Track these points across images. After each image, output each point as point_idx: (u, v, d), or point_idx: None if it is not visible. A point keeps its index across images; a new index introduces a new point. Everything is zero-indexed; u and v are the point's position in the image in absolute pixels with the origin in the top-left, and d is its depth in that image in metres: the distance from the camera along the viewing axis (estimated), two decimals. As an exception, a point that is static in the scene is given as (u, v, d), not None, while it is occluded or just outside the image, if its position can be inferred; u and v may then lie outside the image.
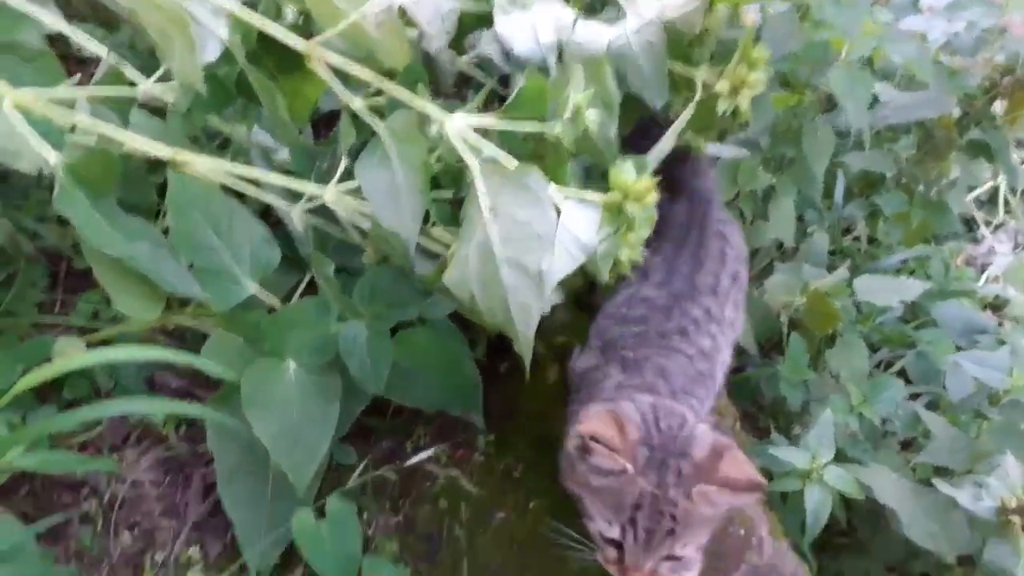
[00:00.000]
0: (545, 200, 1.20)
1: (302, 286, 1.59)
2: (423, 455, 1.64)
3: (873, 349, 2.29)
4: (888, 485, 1.72)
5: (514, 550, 1.56)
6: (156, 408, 1.29)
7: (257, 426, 1.37)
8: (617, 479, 1.07)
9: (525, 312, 1.23)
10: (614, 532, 1.08)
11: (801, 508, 1.71)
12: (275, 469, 1.46)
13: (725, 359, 1.47)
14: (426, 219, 1.39)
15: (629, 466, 1.06)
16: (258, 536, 1.48)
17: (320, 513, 1.48)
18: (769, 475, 1.84)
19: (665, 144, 1.42)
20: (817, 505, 1.62)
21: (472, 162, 1.23)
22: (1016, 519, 1.38)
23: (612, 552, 1.12)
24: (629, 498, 1.06)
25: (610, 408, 1.14)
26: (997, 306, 2.79)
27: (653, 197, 1.18)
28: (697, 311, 1.41)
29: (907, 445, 2.09)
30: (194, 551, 1.48)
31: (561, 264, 1.18)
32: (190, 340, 1.65)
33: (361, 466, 1.64)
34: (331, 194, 1.39)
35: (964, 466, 1.65)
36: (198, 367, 1.40)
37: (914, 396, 2.17)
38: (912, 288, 2.01)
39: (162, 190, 1.62)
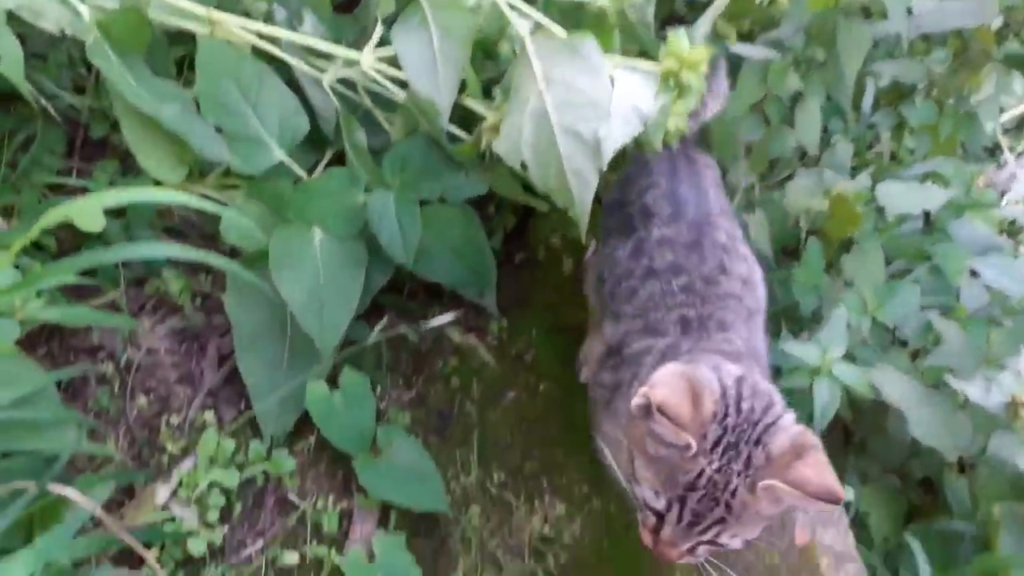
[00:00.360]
0: (601, 67, 1.19)
1: (324, 162, 1.57)
2: (440, 320, 1.65)
3: (888, 261, 2.28)
4: (896, 385, 1.72)
5: (523, 429, 1.59)
6: (168, 252, 1.29)
7: (285, 288, 1.38)
8: (678, 453, 0.92)
9: (581, 179, 1.22)
10: (659, 504, 0.95)
11: (808, 404, 1.72)
12: (293, 338, 1.48)
13: (758, 279, 1.39)
14: (461, 89, 1.37)
15: (694, 443, 0.91)
16: (273, 403, 1.50)
17: (334, 384, 1.50)
18: (778, 371, 1.85)
19: (704, 25, 1.39)
20: (825, 400, 1.63)
21: (523, 29, 1.21)
22: (1024, 412, 1.39)
23: (651, 518, 0.99)
24: (686, 476, 0.92)
25: (688, 371, 0.97)
26: (1013, 232, 2.76)
27: (705, 67, 1.16)
28: (721, 235, 1.32)
29: (916, 356, 2.09)
30: (209, 415, 1.50)
31: (618, 131, 1.17)
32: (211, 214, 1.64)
33: (376, 342, 1.66)
34: (368, 59, 1.36)
35: (973, 369, 1.65)
36: (223, 225, 1.41)
37: (925, 310, 2.16)
38: (935, 196, 1.98)
39: (181, 65, 1.61)
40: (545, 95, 1.18)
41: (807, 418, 1.75)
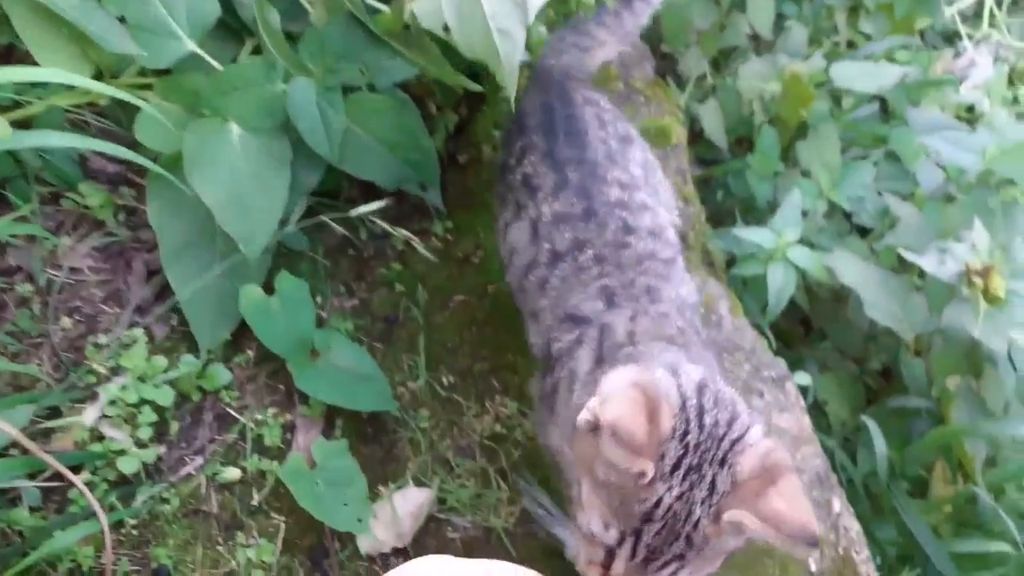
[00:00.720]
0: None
1: (245, 53, 1.46)
2: (367, 208, 1.51)
3: (843, 150, 2.23)
4: (852, 268, 1.70)
5: (472, 331, 1.54)
6: (75, 143, 1.18)
7: (202, 190, 1.29)
8: (632, 479, 0.78)
9: (507, 38, 1.13)
10: (609, 538, 0.81)
11: (763, 291, 1.70)
12: (224, 245, 1.40)
13: (665, 222, 1.22)
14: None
15: (650, 471, 0.77)
16: (207, 315, 1.43)
17: (270, 292, 1.42)
18: (732, 260, 1.81)
19: None
20: (779, 285, 1.60)
21: None
22: (979, 281, 1.36)
23: (599, 553, 0.84)
24: (642, 505, 0.78)
25: (644, 381, 0.82)
26: (971, 120, 2.73)
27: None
28: (614, 191, 1.18)
29: (873, 242, 2.07)
30: (138, 333, 1.43)
31: None
32: (124, 120, 1.53)
33: (314, 249, 1.58)
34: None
35: (928, 245, 1.62)
36: (137, 124, 1.31)
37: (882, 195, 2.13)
38: (891, 73, 1.92)
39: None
40: (466, -53, 1.09)
41: (762, 306, 1.72)
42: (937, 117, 2.24)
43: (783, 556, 1.30)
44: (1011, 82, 2.83)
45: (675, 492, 0.78)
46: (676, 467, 0.78)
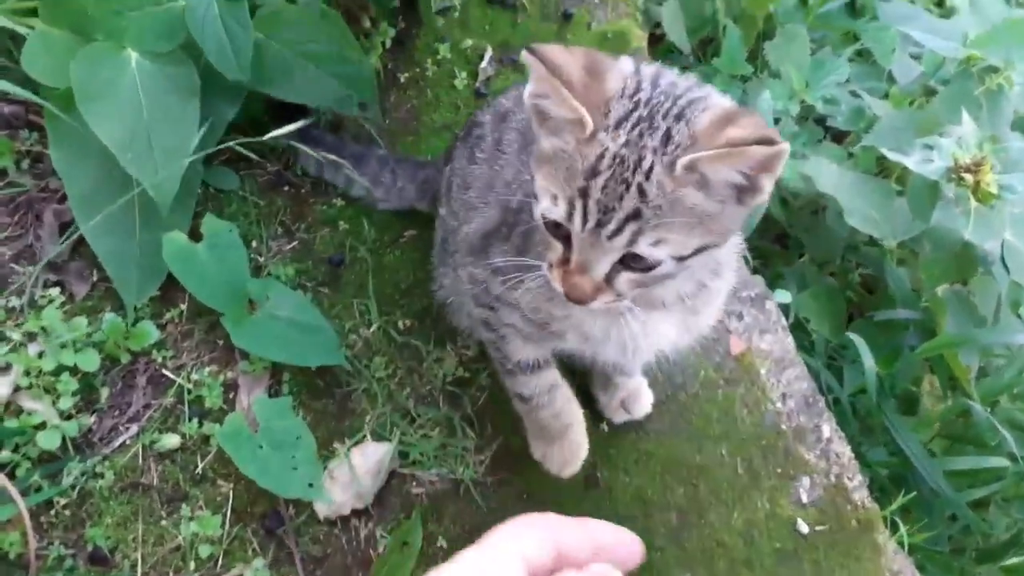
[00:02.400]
0: None
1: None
2: (286, 129, 1.33)
3: (812, 51, 2.10)
4: (830, 174, 1.58)
5: (427, 268, 1.40)
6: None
7: (99, 128, 1.14)
8: (573, 137, 0.74)
9: None
10: (558, 211, 0.76)
11: (738, 205, 1.58)
12: (141, 191, 1.24)
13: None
14: None
15: (586, 116, 0.73)
16: (130, 268, 1.29)
17: (198, 239, 1.28)
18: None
19: None
20: (756, 196, 1.47)
21: None
22: (968, 177, 1.25)
23: (557, 250, 0.80)
24: (585, 162, 0.73)
25: (590, 51, 0.78)
26: (944, 15, 2.60)
27: None
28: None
29: (850, 150, 1.96)
30: (54, 292, 1.28)
31: None
32: (15, 52, 1.35)
33: (243, 189, 1.43)
34: None
35: (910, 144, 1.51)
36: (24, 54, 1.15)
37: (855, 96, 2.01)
38: (862, -42, 1.77)
39: None
40: None
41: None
42: (909, 8, 2.11)
43: (772, 487, 1.23)
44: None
45: (620, 140, 0.73)
46: (623, 121, 0.74)
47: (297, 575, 1.14)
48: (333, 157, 1.34)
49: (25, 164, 1.41)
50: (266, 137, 1.27)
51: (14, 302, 1.28)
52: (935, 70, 1.71)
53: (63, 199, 1.39)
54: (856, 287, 1.82)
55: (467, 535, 1.16)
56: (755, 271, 1.55)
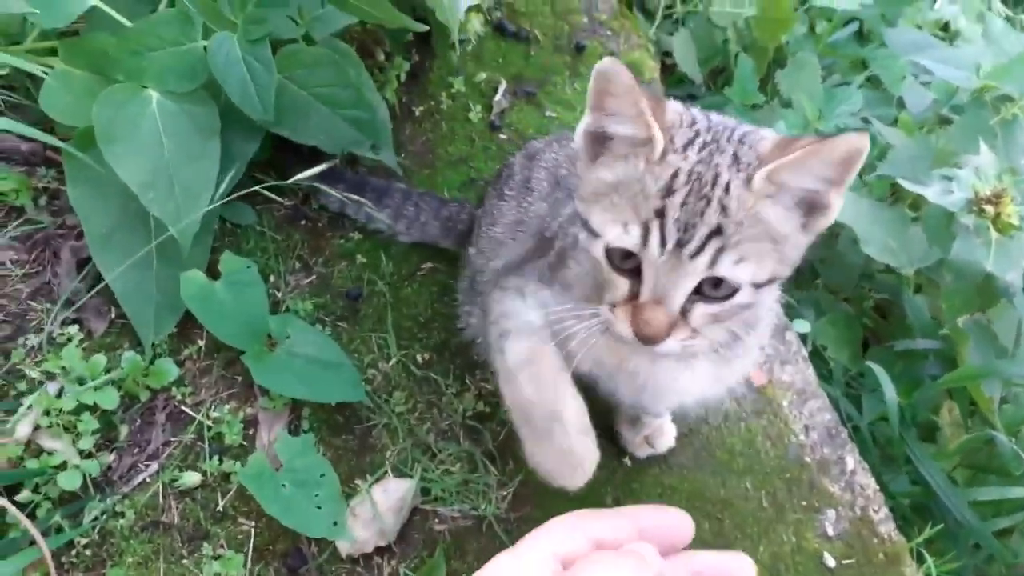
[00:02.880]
0: None
1: (161, 7, 1.30)
2: (307, 173, 1.32)
3: (823, 79, 2.11)
4: (846, 202, 1.58)
5: (444, 301, 1.40)
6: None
7: (120, 168, 1.14)
8: (642, 159, 0.73)
9: None
10: (631, 238, 0.72)
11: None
12: (158, 228, 1.24)
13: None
14: None
15: (658, 132, 0.71)
16: (147, 306, 1.29)
17: (216, 276, 1.28)
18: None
19: None
20: (772, 225, 1.47)
21: None
22: (989, 208, 1.25)
23: (622, 287, 0.76)
24: (658, 183, 0.71)
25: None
26: (949, 38, 2.62)
27: None
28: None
29: (861, 174, 1.96)
30: (73, 330, 1.28)
31: None
32: (33, 91, 1.36)
33: (262, 224, 1.43)
34: None
35: (926, 173, 1.51)
36: (42, 96, 1.16)
37: (865, 123, 2.01)
38: (871, -13, 1.78)
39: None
40: None
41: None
42: (917, 36, 2.12)
43: (796, 522, 1.21)
44: (983, -5, 2.73)
45: (693, 159, 0.72)
46: (689, 144, 0.73)
47: (320, 616, 1.13)
48: (356, 197, 1.34)
49: (43, 201, 1.42)
50: (290, 181, 1.27)
51: (32, 340, 1.28)
52: (948, 99, 1.72)
53: (80, 235, 1.39)
54: (871, 313, 1.82)
55: (491, 573, 1.15)
56: (772, 300, 1.54)
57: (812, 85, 1.86)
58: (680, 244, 0.71)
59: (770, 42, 1.78)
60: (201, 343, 1.31)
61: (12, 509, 0.98)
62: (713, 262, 0.71)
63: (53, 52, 1.26)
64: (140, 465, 1.22)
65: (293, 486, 1.10)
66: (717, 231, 0.70)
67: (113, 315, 1.32)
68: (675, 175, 0.71)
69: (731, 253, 0.71)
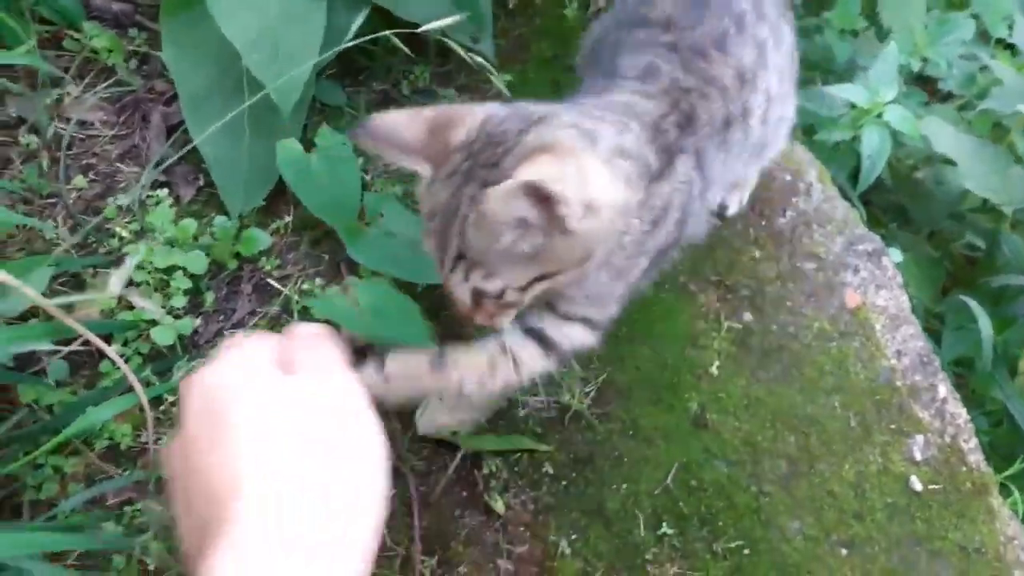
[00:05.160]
0: None
1: None
2: (437, 24, 1.18)
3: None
4: (947, 135, 1.53)
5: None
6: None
7: (227, 24, 1.11)
8: (425, 188, 0.85)
9: None
10: (428, 245, 0.86)
11: (849, 160, 1.54)
12: (253, 95, 1.21)
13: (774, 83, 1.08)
14: None
15: (420, 170, 0.84)
16: (237, 176, 1.27)
17: (308, 150, 1.25)
18: (812, 130, 1.64)
19: None
20: (876, 147, 1.43)
21: None
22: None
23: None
24: (426, 205, 0.84)
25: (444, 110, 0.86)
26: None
27: None
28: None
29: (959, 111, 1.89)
30: (162, 194, 1.26)
31: None
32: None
33: (354, 105, 1.40)
34: None
35: (1037, 111, 1.45)
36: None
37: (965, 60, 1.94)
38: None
39: None
40: None
41: (851, 173, 1.56)
42: (1020, -21, 2.03)
43: (885, 443, 1.19)
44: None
45: (449, 191, 0.81)
46: (453, 172, 0.81)
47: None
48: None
49: (133, 64, 1.39)
50: (420, 29, 1.17)
51: (122, 200, 1.26)
52: (1063, 35, 1.64)
53: (170, 101, 1.37)
54: (954, 256, 1.77)
55: (572, 463, 1.14)
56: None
57: (916, 16, 1.78)
58: (439, 261, 0.84)
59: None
60: (288, 218, 1.29)
61: (113, 355, 0.97)
62: (466, 278, 0.83)
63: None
64: (225, 332, 1.21)
65: (376, 321, 1.03)
66: (460, 255, 0.81)
67: (202, 183, 1.31)
68: (436, 203, 0.82)
69: (477, 271, 0.82)
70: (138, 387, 0.92)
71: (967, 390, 1.50)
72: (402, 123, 0.83)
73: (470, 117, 0.83)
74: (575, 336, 0.97)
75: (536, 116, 0.83)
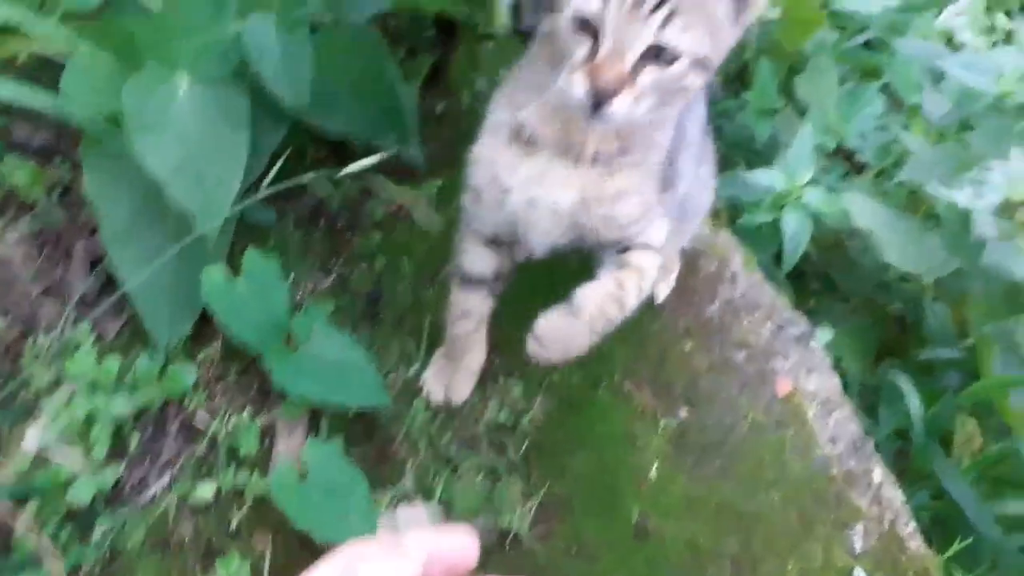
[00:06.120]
0: None
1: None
2: (363, 164, 1.21)
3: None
4: (866, 209, 1.57)
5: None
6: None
7: (147, 158, 1.10)
8: None
9: None
10: (595, 2, 0.79)
11: (773, 242, 1.56)
12: (177, 224, 1.20)
13: None
14: None
15: None
16: (162, 306, 1.25)
17: (236, 273, 1.24)
18: (737, 212, 1.67)
19: None
20: (796, 230, 1.46)
21: None
22: (1022, 213, 1.24)
23: (584, 45, 0.83)
24: None
25: None
26: (953, 48, 2.64)
27: None
28: None
29: (875, 181, 1.95)
30: (83, 331, 1.24)
31: None
32: (48, 79, 1.31)
33: (281, 223, 1.40)
34: None
35: (949, 179, 1.50)
36: (64, 81, 1.11)
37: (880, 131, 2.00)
38: (891, -7, 1.77)
39: None
40: None
41: (773, 257, 1.60)
42: (926, 45, 2.12)
43: (827, 536, 1.20)
44: (987, 9, 2.76)
45: None
46: None
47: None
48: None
49: (55, 196, 1.37)
50: (346, 172, 1.20)
51: (42, 341, 1.24)
52: (967, 105, 1.71)
53: (93, 232, 1.35)
54: (885, 324, 1.81)
55: (515, 589, 1.13)
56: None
57: (830, 92, 1.84)
58: (637, 4, 0.78)
59: (793, 45, 1.76)
60: (216, 346, 1.27)
61: (22, 527, 0.94)
62: (665, 23, 0.79)
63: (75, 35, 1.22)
64: (150, 478, 1.18)
65: (322, 496, 1.06)
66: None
67: (125, 316, 1.28)
68: None
69: (679, 19, 0.79)
70: (54, 560, 0.90)
71: (910, 460, 1.52)
72: None
73: None
74: (653, 236, 1.03)
75: None
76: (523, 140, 0.96)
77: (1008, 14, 2.74)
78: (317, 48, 1.14)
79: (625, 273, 1.01)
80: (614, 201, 0.98)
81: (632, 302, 1.01)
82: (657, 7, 0.78)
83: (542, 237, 1.04)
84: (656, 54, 0.81)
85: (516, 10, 1.58)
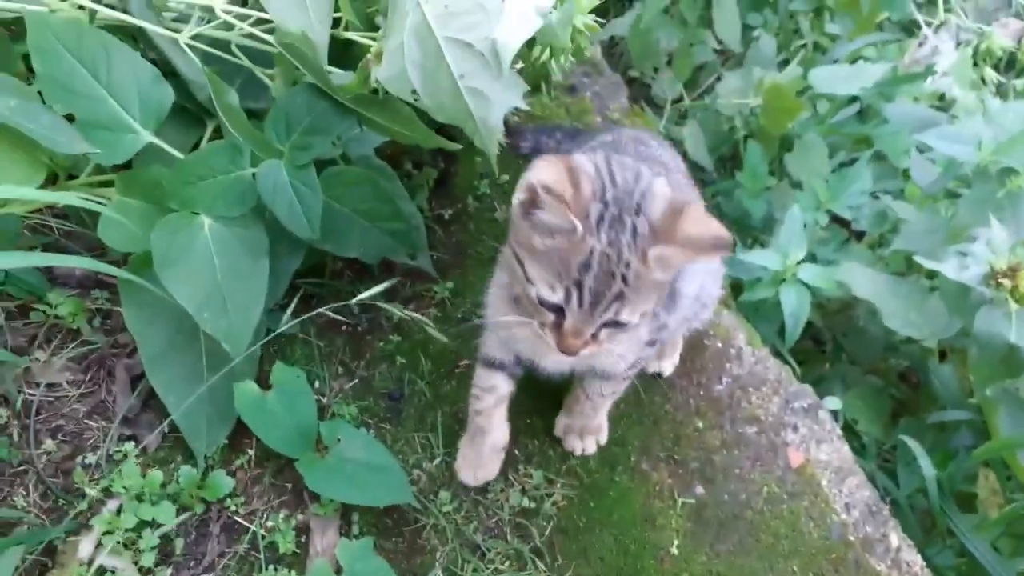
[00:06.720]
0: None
1: (205, 138, 1.39)
2: (372, 291, 1.37)
3: (828, 156, 2.19)
4: (864, 279, 1.63)
5: (483, 397, 1.44)
6: (33, 261, 1.10)
7: (177, 291, 1.20)
8: (565, 239, 0.92)
9: (479, 96, 1.07)
10: (557, 296, 0.94)
11: (776, 315, 1.63)
12: (208, 343, 1.31)
13: None
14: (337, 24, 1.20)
15: (579, 224, 0.90)
16: (200, 420, 1.34)
17: (266, 386, 1.33)
18: (739, 288, 1.74)
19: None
20: (795, 306, 1.53)
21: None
22: (1006, 282, 1.30)
23: (549, 316, 0.98)
24: (577, 258, 0.92)
25: (562, 157, 0.96)
26: (943, 107, 2.71)
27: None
28: None
29: (875, 247, 2.02)
30: (129, 446, 1.32)
31: (516, 32, 1.02)
32: (87, 219, 1.44)
33: (305, 332, 1.49)
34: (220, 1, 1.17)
35: (939, 247, 1.56)
36: (101, 227, 1.22)
37: (874, 198, 2.08)
38: (869, 74, 1.88)
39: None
40: (423, 3, 1.02)
41: (778, 330, 1.66)
42: (915, 110, 2.20)
43: (848, 602, 1.22)
44: (975, 63, 2.84)
45: (604, 240, 0.91)
46: (600, 222, 0.92)
47: None
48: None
49: (96, 322, 1.48)
50: (354, 301, 1.32)
51: (90, 458, 1.33)
52: (953, 171, 1.78)
53: (132, 353, 1.46)
54: (898, 384, 1.84)
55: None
56: (801, 379, 1.57)
57: (820, 165, 1.94)
58: (593, 305, 0.94)
59: (777, 130, 1.87)
60: (251, 452, 1.35)
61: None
62: (615, 313, 0.95)
63: (107, 184, 1.35)
64: (196, 578, 1.25)
65: (358, 594, 1.12)
66: (619, 295, 0.93)
67: (166, 428, 1.37)
68: (591, 253, 0.91)
69: (629, 307, 0.94)
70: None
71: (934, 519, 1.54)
72: (556, 177, 0.91)
73: (584, 171, 0.94)
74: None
75: (638, 171, 0.98)
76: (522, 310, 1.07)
77: (997, 67, 2.83)
78: (327, 183, 1.26)
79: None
80: (610, 355, 1.11)
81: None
82: (607, 308, 0.94)
83: (551, 368, 1.19)
84: (612, 324, 0.97)
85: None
